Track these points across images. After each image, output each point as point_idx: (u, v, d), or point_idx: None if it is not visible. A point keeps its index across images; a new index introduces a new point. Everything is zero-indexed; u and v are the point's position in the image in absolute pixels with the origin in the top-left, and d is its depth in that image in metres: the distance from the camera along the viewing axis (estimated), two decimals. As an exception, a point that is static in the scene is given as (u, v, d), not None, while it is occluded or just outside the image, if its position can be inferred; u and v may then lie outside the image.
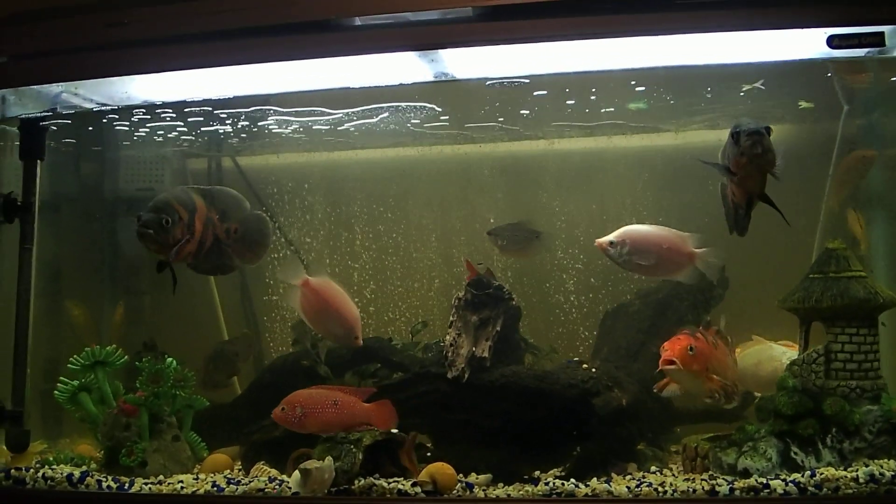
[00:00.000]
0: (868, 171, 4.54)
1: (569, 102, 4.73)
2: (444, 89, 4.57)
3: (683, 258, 4.01)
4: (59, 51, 4.17)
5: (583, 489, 3.60)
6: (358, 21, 3.87)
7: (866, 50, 3.80)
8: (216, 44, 4.00)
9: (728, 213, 3.87)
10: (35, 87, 4.39)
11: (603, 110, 4.92)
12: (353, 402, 3.82)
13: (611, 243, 4.02)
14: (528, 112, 4.97)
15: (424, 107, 4.89)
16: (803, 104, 4.97)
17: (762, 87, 4.57)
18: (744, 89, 4.61)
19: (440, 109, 4.91)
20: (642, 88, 4.62)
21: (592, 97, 4.71)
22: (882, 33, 3.69)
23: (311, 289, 4.16)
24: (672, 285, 4.65)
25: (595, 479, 3.74)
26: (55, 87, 4.38)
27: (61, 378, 4.44)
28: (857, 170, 4.67)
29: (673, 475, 3.92)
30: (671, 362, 3.67)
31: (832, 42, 3.74)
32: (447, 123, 5.16)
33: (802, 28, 3.73)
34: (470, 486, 3.71)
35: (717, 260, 4.03)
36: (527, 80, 4.26)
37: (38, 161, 4.73)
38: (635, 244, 4.00)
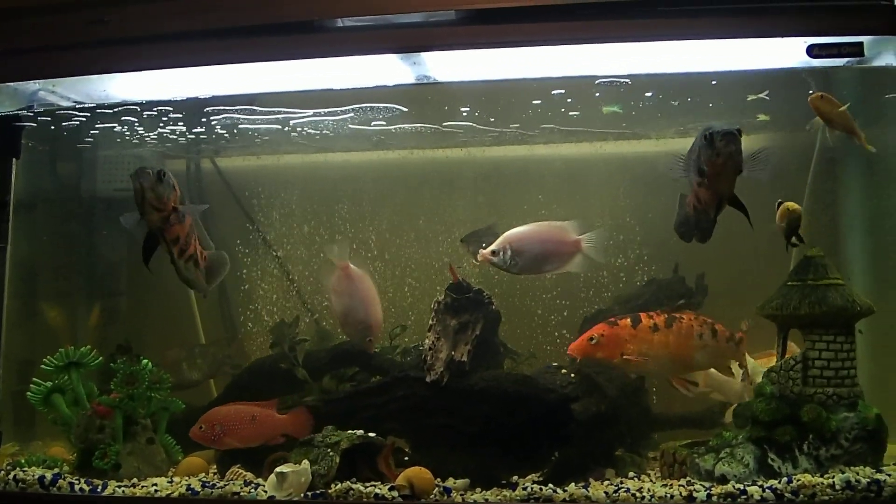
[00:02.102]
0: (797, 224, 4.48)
1: (534, 102, 4.72)
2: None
3: (569, 248, 4.06)
4: (38, 48, 4.14)
5: (561, 494, 3.59)
6: (341, 22, 3.86)
7: (845, 60, 3.84)
8: (197, 43, 3.98)
9: (683, 221, 3.92)
10: (11, 84, 4.35)
11: (572, 114, 4.92)
12: (269, 414, 3.99)
13: (493, 252, 4.06)
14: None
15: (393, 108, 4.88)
16: (761, 117, 5.01)
17: (767, 98, 4.60)
18: (749, 99, 4.64)
19: (405, 110, 4.89)
20: (649, 94, 4.61)
21: (569, 100, 4.70)
22: (861, 43, 3.74)
23: (348, 274, 4.16)
24: (652, 291, 4.66)
25: (573, 484, 3.74)
26: (32, 85, 4.35)
27: (34, 379, 4.38)
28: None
29: (651, 481, 3.92)
30: (571, 355, 4.03)
31: (812, 51, 3.78)
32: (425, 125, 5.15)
33: (782, 37, 3.78)
34: (447, 491, 3.69)
35: (601, 242, 4.09)
36: (628, 81, 4.28)
37: (14, 159, 4.69)
38: (517, 246, 4.03)
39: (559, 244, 4.07)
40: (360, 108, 4.82)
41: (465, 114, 4.90)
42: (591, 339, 3.97)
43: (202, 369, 5.15)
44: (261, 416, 3.96)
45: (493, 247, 4.06)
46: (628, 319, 4.04)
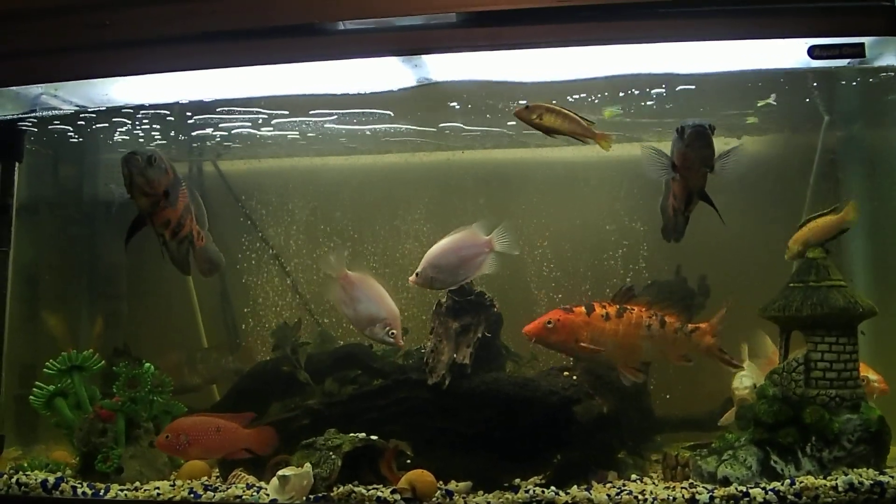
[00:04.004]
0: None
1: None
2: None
3: (482, 249, 4.09)
4: (39, 52, 4.14)
5: (563, 497, 3.58)
6: (342, 25, 3.86)
7: (847, 61, 3.84)
8: (198, 46, 3.98)
9: (667, 224, 3.96)
10: (13, 88, 4.35)
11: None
12: (234, 428, 3.96)
13: (416, 274, 4.09)
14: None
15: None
16: (750, 119, 5.01)
17: (774, 103, 4.60)
18: (758, 104, 4.64)
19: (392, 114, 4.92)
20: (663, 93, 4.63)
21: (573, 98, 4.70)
22: (862, 44, 3.73)
23: (350, 282, 4.17)
24: (654, 294, 4.65)
25: (575, 486, 3.73)
26: (34, 89, 4.36)
27: (37, 383, 4.38)
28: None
29: (653, 483, 3.92)
30: (527, 335, 3.86)
31: (813, 52, 3.78)
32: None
33: (784, 38, 3.77)
34: (450, 494, 3.69)
35: (510, 236, 4.11)
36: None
37: (16, 163, 4.70)
38: (434, 263, 4.07)
39: (473, 248, 4.09)
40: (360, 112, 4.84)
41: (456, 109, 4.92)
42: (549, 323, 3.87)
43: (203, 374, 5.15)
44: (225, 429, 3.96)
45: (417, 270, 4.10)
46: (583, 307, 3.95)
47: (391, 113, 4.88)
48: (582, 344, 3.84)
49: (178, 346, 5.36)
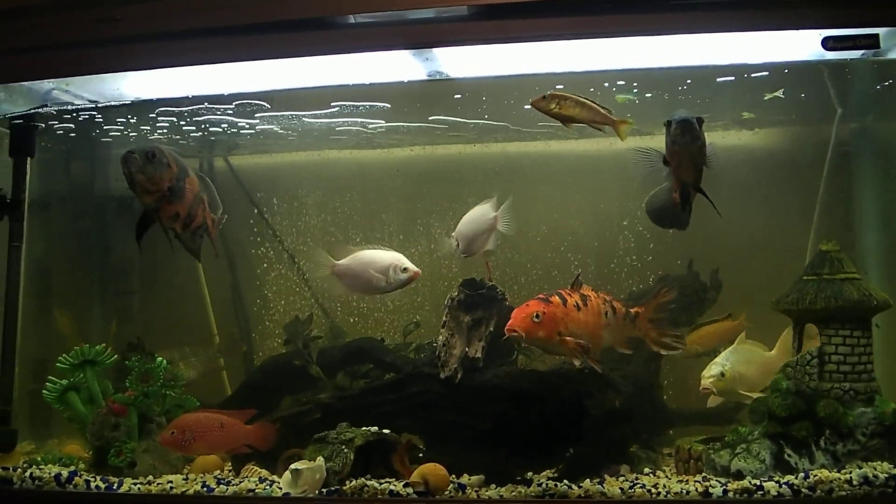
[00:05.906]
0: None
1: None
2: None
3: (490, 225, 4.26)
4: (50, 47, 4.13)
5: (576, 490, 3.58)
6: (353, 19, 3.85)
7: (861, 52, 3.81)
8: (209, 41, 3.97)
9: (660, 206, 3.97)
10: (25, 83, 4.36)
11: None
12: (236, 424, 3.98)
13: (453, 237, 4.29)
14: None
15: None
16: (746, 114, 4.97)
17: (782, 96, 4.57)
18: (766, 98, 4.62)
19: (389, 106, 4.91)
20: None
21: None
22: (877, 35, 3.69)
23: (343, 268, 4.28)
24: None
25: (588, 480, 3.72)
26: (45, 84, 4.36)
27: (50, 377, 4.40)
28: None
29: (666, 477, 3.91)
30: (514, 331, 3.56)
31: (827, 44, 3.74)
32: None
33: (797, 29, 3.74)
34: (462, 487, 3.69)
35: (510, 212, 4.24)
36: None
37: (28, 158, 4.71)
38: (460, 236, 4.26)
39: (484, 224, 4.25)
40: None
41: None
42: (536, 315, 3.57)
43: (197, 368, 5.16)
44: (228, 425, 3.97)
45: (452, 233, 4.29)
46: (556, 297, 3.68)
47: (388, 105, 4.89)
48: (566, 338, 3.63)
49: (191, 338, 5.37)
